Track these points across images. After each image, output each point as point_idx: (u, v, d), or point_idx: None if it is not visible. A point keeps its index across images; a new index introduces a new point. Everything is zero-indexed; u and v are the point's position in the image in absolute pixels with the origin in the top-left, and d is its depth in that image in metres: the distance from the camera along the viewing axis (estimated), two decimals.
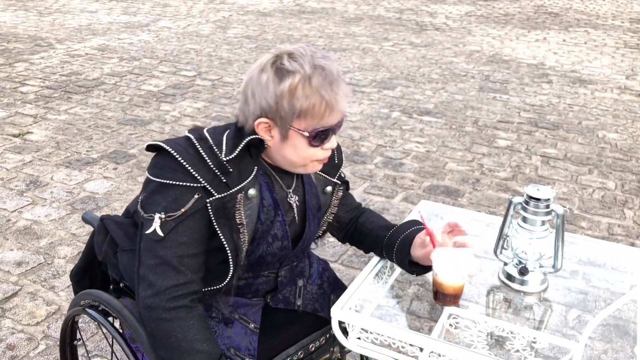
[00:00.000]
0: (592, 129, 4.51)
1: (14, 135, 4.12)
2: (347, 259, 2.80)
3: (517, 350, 1.23)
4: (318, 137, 1.23)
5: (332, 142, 1.27)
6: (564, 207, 1.42)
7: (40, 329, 2.30)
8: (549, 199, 1.38)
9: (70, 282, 2.52)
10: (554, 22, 8.55)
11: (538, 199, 1.37)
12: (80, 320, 1.95)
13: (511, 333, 1.26)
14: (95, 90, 5.11)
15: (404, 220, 1.52)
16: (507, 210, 1.45)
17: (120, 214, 1.54)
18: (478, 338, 1.28)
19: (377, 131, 4.38)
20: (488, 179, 3.66)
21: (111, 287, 1.55)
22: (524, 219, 1.41)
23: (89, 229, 2.95)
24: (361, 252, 2.80)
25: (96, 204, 3.24)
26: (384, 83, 5.53)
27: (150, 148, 1.26)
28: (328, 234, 1.56)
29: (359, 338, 1.27)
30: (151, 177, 1.24)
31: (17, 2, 9.12)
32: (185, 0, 9.61)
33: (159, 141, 1.25)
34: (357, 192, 3.42)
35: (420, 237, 1.38)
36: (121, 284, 1.50)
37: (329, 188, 1.43)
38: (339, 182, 1.46)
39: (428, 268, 1.40)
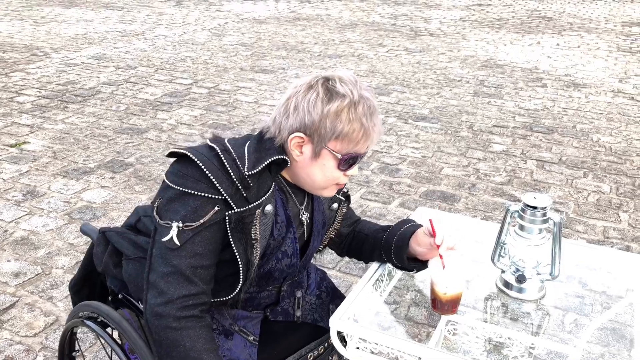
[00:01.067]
0: (587, 132, 4.53)
1: (11, 145, 4.12)
2: (345, 265, 2.81)
3: (515, 357, 1.24)
4: (348, 161, 1.26)
5: (354, 170, 1.30)
6: (560, 213, 1.43)
7: (39, 340, 2.29)
8: (545, 207, 1.39)
9: (68, 293, 2.52)
10: (547, 27, 8.59)
11: (535, 207, 1.39)
12: (78, 332, 1.95)
13: (509, 339, 1.27)
14: (92, 100, 5.12)
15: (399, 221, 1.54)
16: (504, 218, 1.47)
17: (117, 224, 1.55)
18: (476, 344, 1.29)
19: None
20: (484, 183, 3.68)
21: (110, 298, 1.56)
22: (521, 227, 1.42)
23: (87, 238, 2.95)
24: None
25: (93, 213, 3.24)
26: (379, 89, 5.55)
27: (172, 154, 1.26)
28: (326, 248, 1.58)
29: (357, 348, 1.27)
30: (171, 184, 1.23)
31: (12, 12, 9.13)
32: (180, 8, 9.63)
33: (183, 148, 1.24)
34: (354, 199, 3.43)
35: (422, 231, 1.39)
36: (120, 296, 1.50)
37: (335, 205, 1.47)
38: (344, 199, 1.49)
39: (426, 263, 1.40)
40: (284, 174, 1.33)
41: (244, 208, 1.23)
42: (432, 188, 3.61)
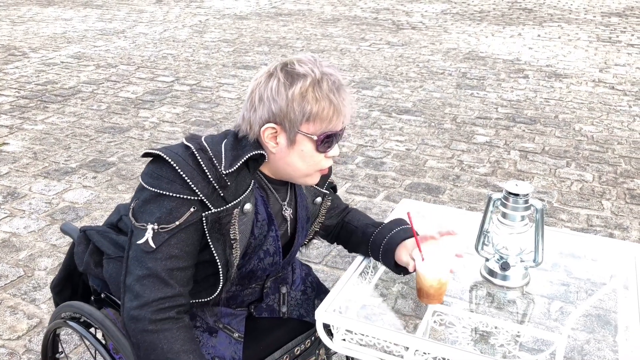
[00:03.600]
0: (569, 122, 4.57)
1: None
2: (332, 259, 2.80)
3: (502, 345, 1.25)
4: (325, 142, 1.23)
5: (335, 150, 1.27)
6: (542, 200, 1.44)
7: (22, 343, 2.26)
8: (527, 194, 1.39)
9: (51, 295, 2.49)
10: (528, 18, 8.65)
11: (517, 195, 1.39)
12: (62, 333, 1.92)
13: (495, 328, 1.27)
14: (72, 99, 5.06)
15: (390, 219, 1.52)
16: (487, 206, 1.47)
17: (100, 224, 1.53)
18: (463, 334, 1.29)
19: (357, 131, 4.39)
20: (468, 175, 3.69)
21: (92, 298, 1.53)
22: (504, 215, 1.42)
23: (69, 239, 2.91)
24: (345, 252, 2.81)
25: (76, 213, 3.20)
26: (362, 83, 5.54)
27: (146, 155, 1.24)
28: (312, 242, 1.56)
29: (344, 339, 1.27)
30: (146, 185, 1.20)
31: None
32: (161, 5, 9.55)
33: (157, 150, 1.22)
34: (340, 193, 3.42)
35: (406, 245, 1.38)
36: (102, 295, 1.48)
37: (318, 199, 1.44)
38: (328, 192, 1.47)
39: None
40: (265, 170, 1.30)
41: (221, 208, 1.20)
42: (417, 180, 3.62)
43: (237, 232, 1.23)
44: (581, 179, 3.64)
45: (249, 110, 1.23)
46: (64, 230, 1.63)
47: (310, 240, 1.52)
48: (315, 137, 1.21)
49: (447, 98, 5.12)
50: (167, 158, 1.19)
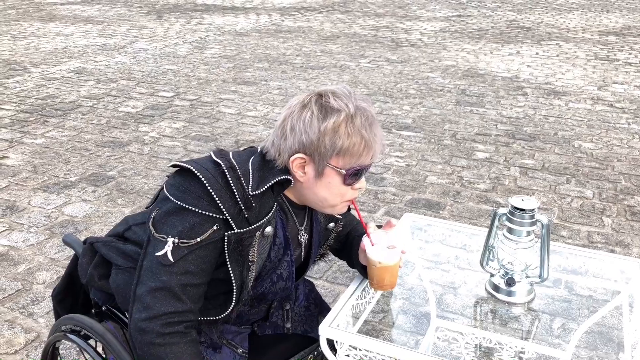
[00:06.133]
0: (568, 139, 4.58)
1: None
2: (332, 275, 2.79)
3: None
4: (353, 175, 1.22)
5: (362, 183, 1.27)
6: (548, 214, 1.44)
7: (19, 357, 2.24)
8: (533, 210, 1.39)
9: (50, 309, 2.47)
10: (526, 36, 8.72)
11: (523, 210, 1.39)
12: (61, 347, 1.90)
13: (499, 344, 1.26)
14: (72, 113, 5.06)
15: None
16: (492, 221, 1.46)
17: (102, 236, 1.51)
18: (466, 350, 1.28)
19: None
20: (468, 191, 3.69)
21: (93, 310, 1.52)
22: (510, 230, 1.42)
23: (68, 252, 2.90)
24: (346, 268, 2.80)
25: (75, 227, 3.18)
26: None
27: (175, 166, 1.22)
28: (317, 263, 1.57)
29: (347, 355, 1.26)
30: (171, 197, 1.19)
31: None
32: (161, 22, 9.61)
33: (187, 162, 1.20)
34: None
35: (362, 241, 1.38)
36: (104, 308, 1.47)
37: (331, 225, 1.44)
38: (341, 217, 1.46)
39: None
40: (288, 194, 1.29)
41: (245, 229, 1.19)
42: (417, 196, 3.62)
43: (255, 255, 1.22)
44: (581, 196, 3.64)
45: (279, 137, 1.22)
46: (66, 242, 1.62)
47: (315, 262, 1.51)
48: (343, 171, 1.21)
49: (447, 114, 5.14)
50: (197, 173, 1.17)
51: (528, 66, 6.89)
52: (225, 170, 1.19)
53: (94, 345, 1.41)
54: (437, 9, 11.29)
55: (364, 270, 1.42)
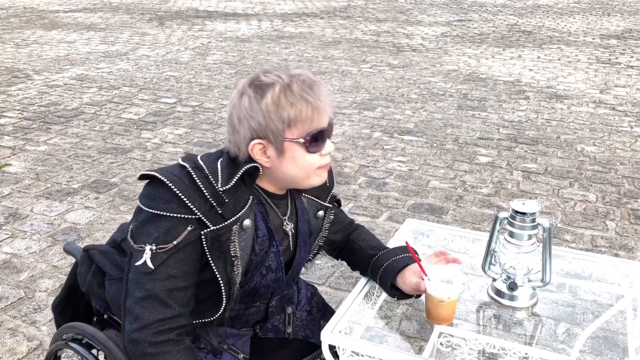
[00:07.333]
0: (571, 142, 4.58)
1: None
2: (335, 281, 2.78)
3: None
4: (313, 141, 1.21)
5: (328, 147, 1.26)
6: (549, 218, 1.43)
7: None
8: (534, 213, 1.38)
9: (52, 317, 2.46)
10: (527, 40, 8.72)
11: (524, 213, 1.38)
12: (63, 355, 1.90)
13: (502, 349, 1.25)
14: (75, 120, 5.07)
15: (394, 244, 1.51)
16: (494, 225, 1.46)
17: (103, 244, 1.51)
18: (469, 356, 1.27)
19: (359, 152, 4.39)
20: (471, 195, 3.68)
21: (95, 319, 1.52)
22: (511, 234, 1.41)
23: (70, 260, 2.89)
24: (349, 273, 2.79)
25: (78, 234, 3.18)
26: (364, 104, 5.57)
27: (143, 177, 1.23)
28: (317, 257, 1.54)
29: None
30: (143, 207, 1.20)
31: None
32: (163, 28, 9.64)
33: (152, 171, 1.21)
34: None
35: (412, 269, 1.37)
36: (105, 315, 1.46)
37: (320, 212, 1.42)
38: (331, 206, 1.45)
39: (409, 295, 1.40)
40: (264, 185, 1.29)
41: (220, 225, 1.19)
42: (420, 201, 3.61)
43: (237, 249, 1.22)
44: (585, 200, 3.62)
45: (231, 133, 1.23)
46: (67, 250, 1.62)
47: (315, 255, 1.50)
48: (302, 140, 1.20)
49: (449, 119, 5.13)
50: (162, 178, 1.19)
51: (530, 70, 6.89)
52: (191, 171, 1.20)
53: (96, 354, 1.40)
54: (439, 13, 11.31)
55: (375, 277, 1.42)
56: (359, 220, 3.35)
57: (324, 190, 1.42)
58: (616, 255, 3.00)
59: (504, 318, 1.44)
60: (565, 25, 9.95)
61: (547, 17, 10.90)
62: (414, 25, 10.08)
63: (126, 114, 5.25)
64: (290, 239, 1.36)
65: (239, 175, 1.20)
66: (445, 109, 5.42)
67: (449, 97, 5.81)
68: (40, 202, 3.55)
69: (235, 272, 1.23)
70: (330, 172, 1.44)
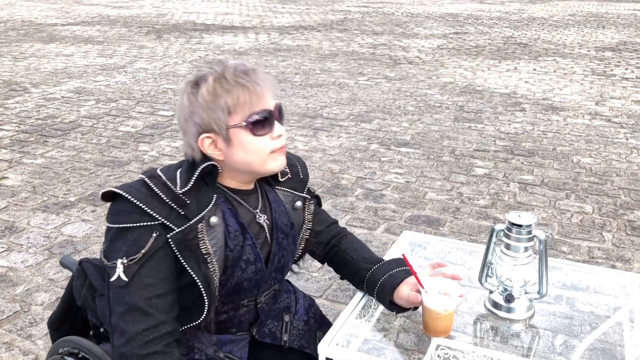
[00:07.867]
0: (567, 154, 4.59)
1: None
2: (332, 293, 2.77)
3: None
4: (257, 123, 1.23)
5: (278, 129, 1.26)
6: (545, 230, 1.43)
7: None
8: (530, 225, 1.39)
9: (48, 330, 2.45)
10: (523, 52, 8.77)
11: (520, 225, 1.38)
12: None
13: None
14: (72, 133, 5.08)
15: (389, 257, 1.51)
16: (490, 237, 1.46)
17: (98, 257, 1.51)
18: None
19: (356, 164, 4.40)
20: (468, 207, 3.69)
21: (91, 332, 1.51)
22: (507, 246, 1.41)
23: (67, 273, 2.89)
24: (346, 286, 2.79)
25: (74, 247, 3.18)
26: (360, 116, 5.58)
27: (104, 197, 1.25)
28: (307, 257, 1.54)
29: None
30: (109, 224, 1.23)
31: None
32: (161, 41, 9.68)
33: (111, 187, 1.24)
34: (340, 225, 3.41)
35: (408, 282, 1.37)
36: (101, 329, 1.46)
37: (298, 203, 1.42)
38: (308, 197, 1.46)
39: (407, 308, 1.40)
40: (227, 182, 1.31)
41: (185, 226, 1.21)
42: (417, 213, 3.61)
43: (208, 247, 1.23)
44: (581, 211, 3.63)
45: (183, 136, 1.27)
46: (63, 264, 1.62)
47: (304, 252, 1.48)
48: (244, 124, 1.22)
49: (445, 131, 5.15)
50: (119, 192, 1.21)
51: (526, 82, 6.93)
52: (147, 180, 1.23)
53: None
54: (435, 26, 11.39)
55: (372, 293, 1.42)
56: (356, 232, 3.35)
57: (300, 182, 1.44)
58: (613, 266, 3.00)
59: (502, 330, 1.43)
60: (561, 38, 10.03)
61: (543, 29, 10.98)
62: (411, 37, 10.14)
63: (123, 127, 5.25)
64: (267, 232, 1.36)
65: (196, 174, 1.22)
66: (442, 121, 5.45)
67: (446, 109, 5.83)
68: (36, 215, 3.55)
69: (211, 269, 1.24)
70: (303, 165, 1.47)
